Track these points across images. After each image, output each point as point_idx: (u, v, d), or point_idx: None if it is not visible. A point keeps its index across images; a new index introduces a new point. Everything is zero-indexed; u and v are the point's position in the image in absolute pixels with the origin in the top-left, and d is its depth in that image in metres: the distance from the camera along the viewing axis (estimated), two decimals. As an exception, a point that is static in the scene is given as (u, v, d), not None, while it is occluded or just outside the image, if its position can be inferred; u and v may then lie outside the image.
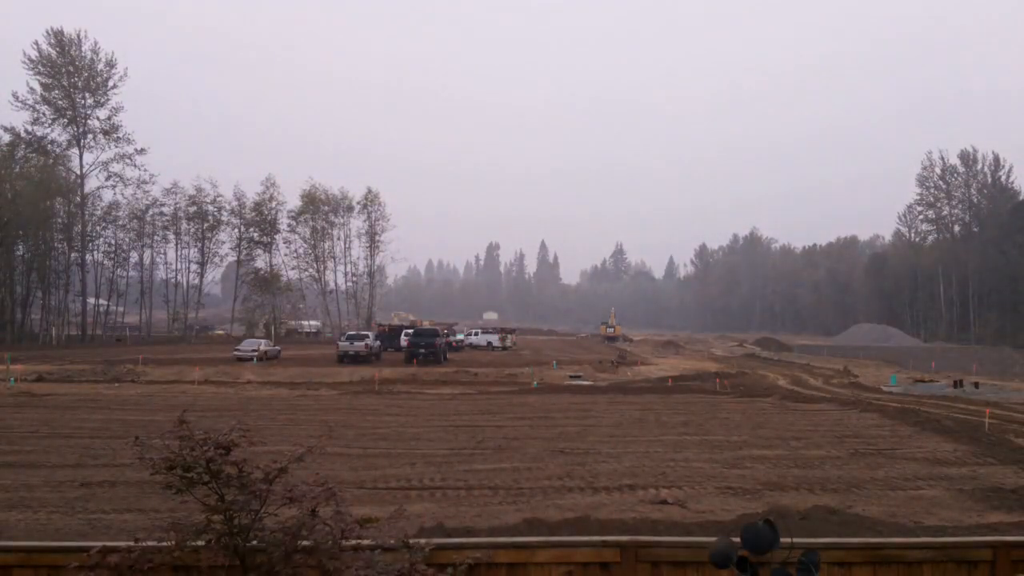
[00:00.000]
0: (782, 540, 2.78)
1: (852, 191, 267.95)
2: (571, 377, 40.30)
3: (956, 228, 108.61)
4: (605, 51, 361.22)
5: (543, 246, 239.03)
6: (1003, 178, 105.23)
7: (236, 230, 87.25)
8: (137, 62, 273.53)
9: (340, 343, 48.55)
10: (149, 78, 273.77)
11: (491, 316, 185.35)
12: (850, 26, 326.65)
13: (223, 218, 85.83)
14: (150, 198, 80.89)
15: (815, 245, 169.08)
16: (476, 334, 78.94)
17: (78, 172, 75.04)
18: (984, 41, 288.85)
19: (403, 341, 52.49)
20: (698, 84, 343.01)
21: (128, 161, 75.73)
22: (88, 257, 77.73)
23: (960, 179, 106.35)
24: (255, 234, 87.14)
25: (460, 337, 73.73)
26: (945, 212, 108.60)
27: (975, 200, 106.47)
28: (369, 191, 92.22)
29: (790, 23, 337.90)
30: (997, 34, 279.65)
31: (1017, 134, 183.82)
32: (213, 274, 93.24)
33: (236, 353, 47.29)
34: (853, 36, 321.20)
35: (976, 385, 35.64)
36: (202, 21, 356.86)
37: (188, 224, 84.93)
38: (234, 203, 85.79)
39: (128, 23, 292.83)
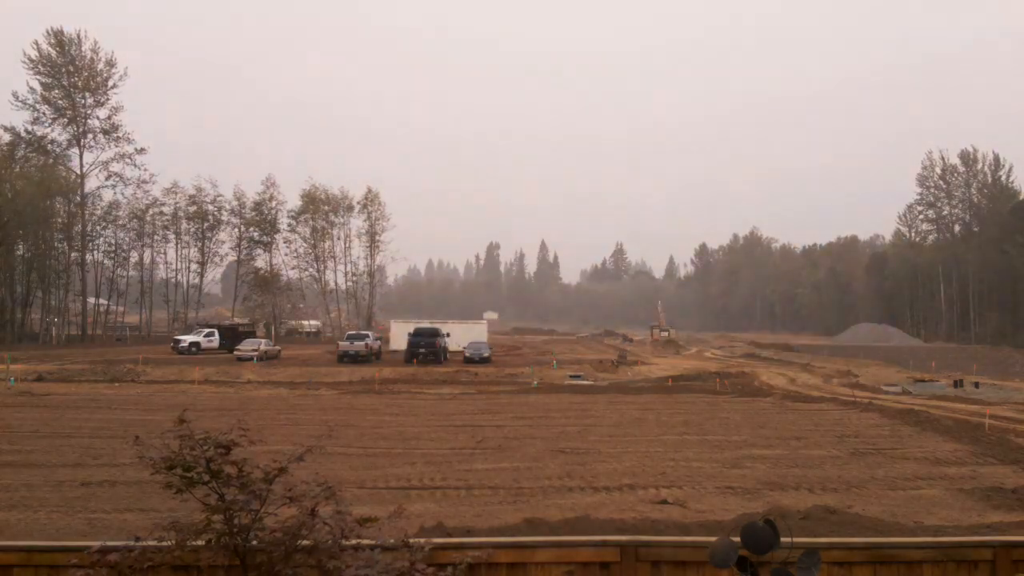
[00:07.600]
0: (782, 540, 2.78)
1: (853, 191, 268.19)
2: (571, 377, 40.25)
3: (956, 228, 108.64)
4: (603, 49, 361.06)
5: (543, 246, 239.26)
6: (1003, 178, 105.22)
7: (236, 230, 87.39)
8: (138, 61, 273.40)
9: (340, 343, 48.71)
10: (150, 77, 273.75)
11: (491, 316, 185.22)
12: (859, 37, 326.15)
13: (223, 218, 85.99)
14: (150, 198, 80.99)
15: (815, 245, 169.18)
16: None
17: (78, 172, 75.00)
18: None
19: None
20: (699, 83, 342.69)
21: (128, 161, 75.76)
22: (88, 257, 77.69)
23: (960, 179, 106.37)
24: (255, 234, 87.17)
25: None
26: (945, 212, 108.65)
27: (975, 200, 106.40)
28: (369, 191, 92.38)
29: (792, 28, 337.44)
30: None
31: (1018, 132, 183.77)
32: (213, 274, 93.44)
33: (236, 353, 47.60)
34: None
35: (976, 385, 35.60)
36: (203, 21, 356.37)
37: (188, 224, 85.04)
38: (234, 203, 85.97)
39: (127, 22, 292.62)
